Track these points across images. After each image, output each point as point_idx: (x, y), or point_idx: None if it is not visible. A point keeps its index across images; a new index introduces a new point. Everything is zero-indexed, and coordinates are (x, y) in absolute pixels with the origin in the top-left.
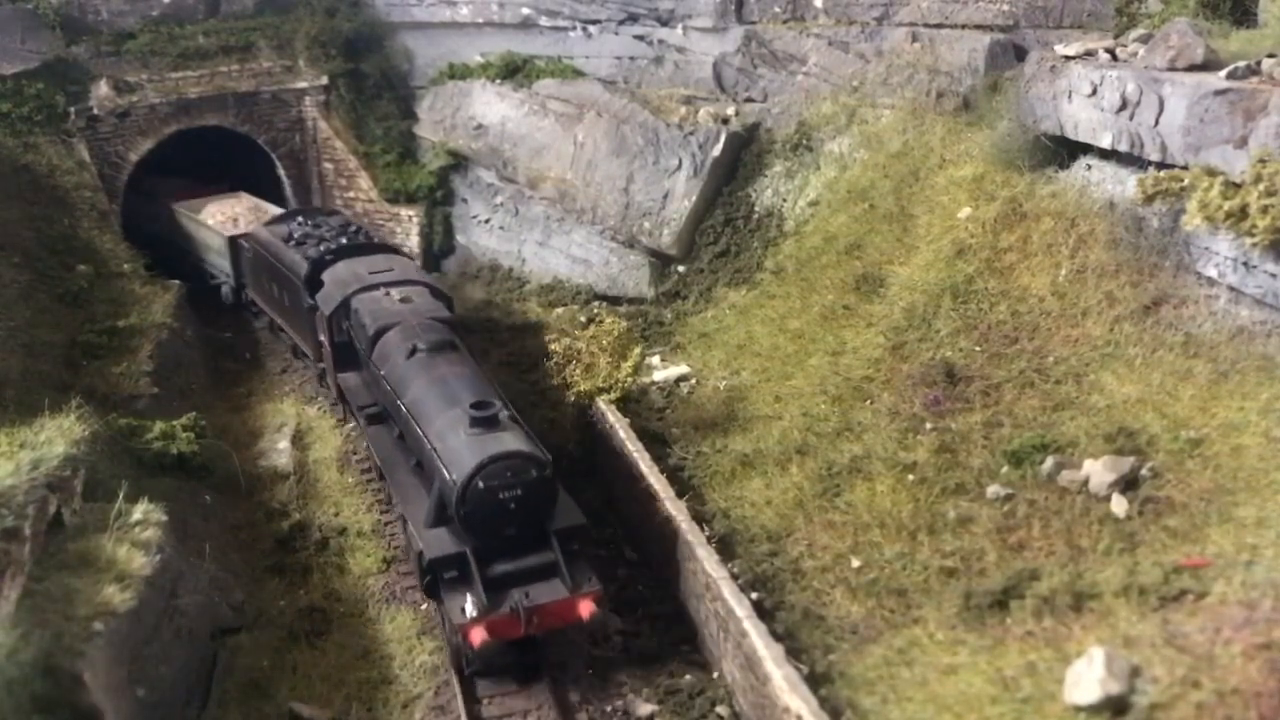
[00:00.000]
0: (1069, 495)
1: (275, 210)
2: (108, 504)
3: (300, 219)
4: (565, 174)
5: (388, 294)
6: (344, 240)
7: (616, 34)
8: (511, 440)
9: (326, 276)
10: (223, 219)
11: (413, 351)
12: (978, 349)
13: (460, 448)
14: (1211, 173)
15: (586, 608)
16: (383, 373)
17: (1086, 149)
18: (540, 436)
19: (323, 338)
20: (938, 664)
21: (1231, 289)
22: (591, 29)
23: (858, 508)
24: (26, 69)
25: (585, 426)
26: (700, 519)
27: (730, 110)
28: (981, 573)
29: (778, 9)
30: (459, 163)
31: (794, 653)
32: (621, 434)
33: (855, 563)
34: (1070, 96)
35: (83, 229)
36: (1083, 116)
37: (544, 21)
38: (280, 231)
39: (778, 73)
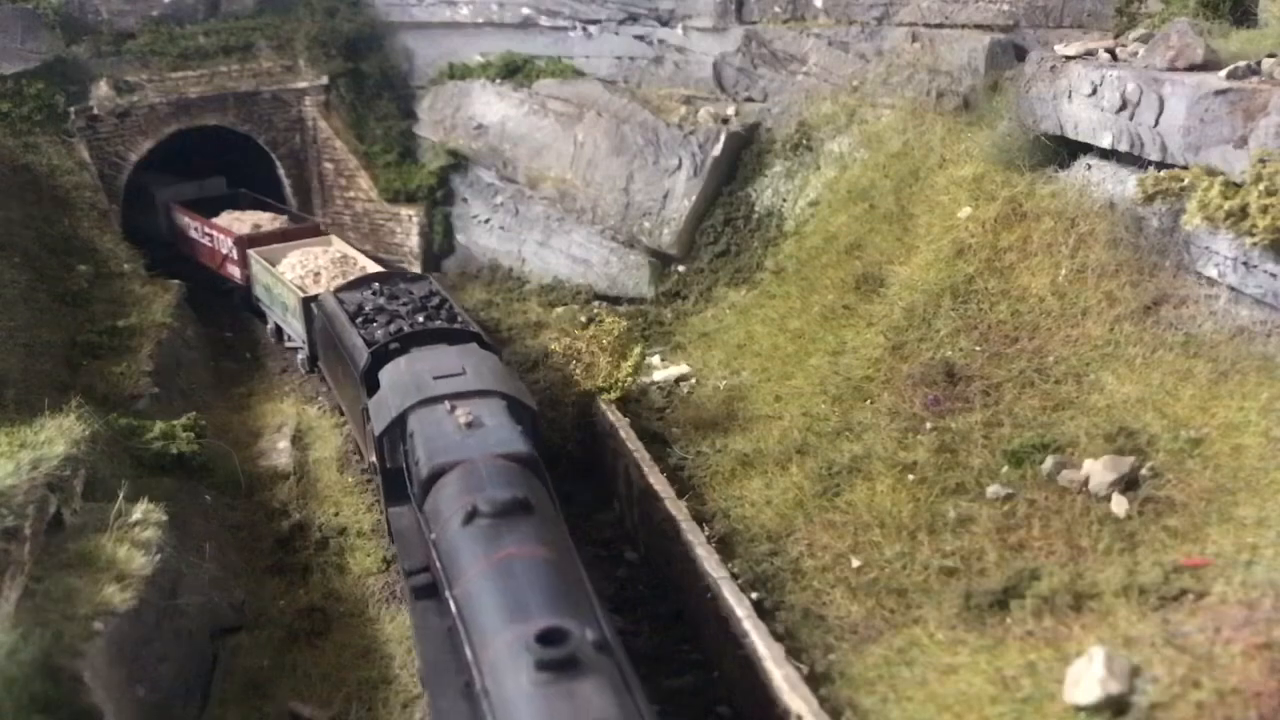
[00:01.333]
0: (1069, 495)
1: (367, 264)
2: (108, 504)
3: (378, 286)
4: (565, 174)
5: (453, 411)
6: (419, 319)
7: (616, 34)
8: (598, 701)
9: (385, 375)
10: (302, 273)
11: (471, 515)
12: (978, 349)
13: (520, 702)
14: (1211, 172)
15: None
16: (433, 537)
17: (1086, 149)
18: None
19: (372, 459)
20: (938, 664)
21: (1232, 289)
22: (591, 29)
23: (858, 507)
24: (26, 69)
25: (585, 426)
26: (700, 519)
27: (730, 110)
28: (981, 572)
29: (778, 9)
30: (459, 162)
31: (794, 652)
32: (621, 434)
33: (855, 562)
34: (1070, 96)
35: (83, 229)
36: (1083, 116)
37: (544, 21)
38: (351, 301)
39: (778, 72)
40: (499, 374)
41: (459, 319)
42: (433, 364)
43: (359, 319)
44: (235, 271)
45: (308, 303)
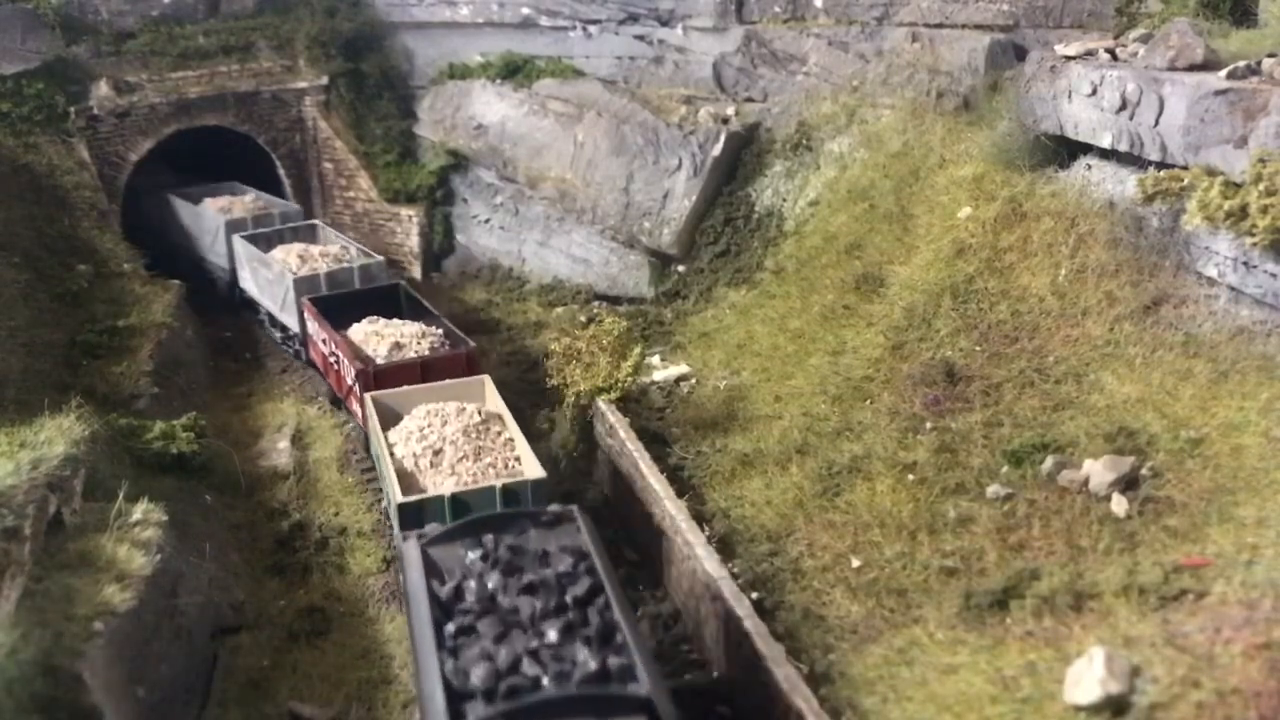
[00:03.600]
0: (1069, 495)
1: (513, 430)
2: (108, 504)
3: (491, 542)
4: (565, 174)
5: None
6: (559, 667)
7: (616, 34)
8: None
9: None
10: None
11: None
12: (978, 349)
13: None
14: (1211, 172)
15: None
16: None
17: (1086, 149)
18: (540, 436)
19: None
20: (938, 664)
21: (1232, 289)
22: (591, 29)
23: (858, 507)
24: (26, 69)
25: (585, 426)
26: (700, 519)
27: (730, 110)
28: (981, 572)
29: (778, 9)
30: (459, 162)
31: (794, 653)
32: (621, 434)
33: (855, 562)
34: (1070, 96)
35: (83, 229)
36: (1083, 116)
37: (544, 21)
38: (445, 564)
39: (778, 72)
40: None
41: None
42: None
43: (445, 633)
44: (357, 410)
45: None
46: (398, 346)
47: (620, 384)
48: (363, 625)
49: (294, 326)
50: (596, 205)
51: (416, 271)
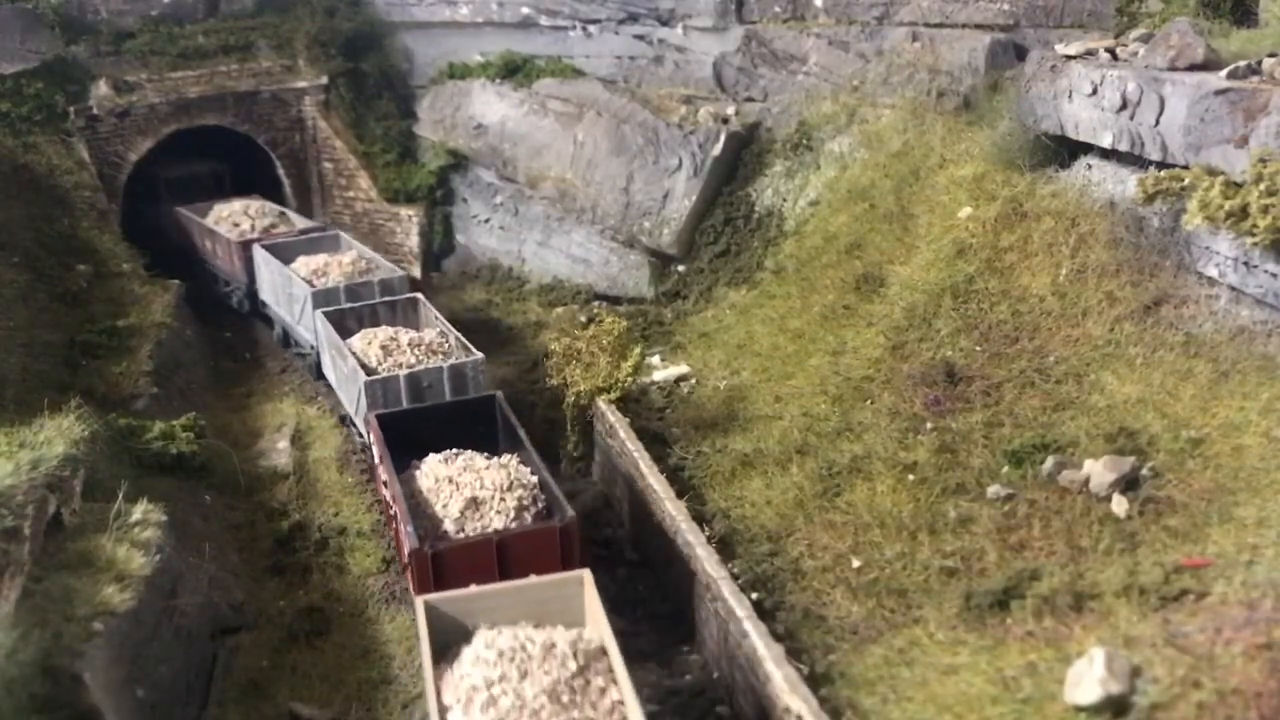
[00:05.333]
0: (1069, 495)
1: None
2: (107, 504)
3: None
4: (565, 173)
5: None
6: None
7: (616, 33)
8: None
9: None
10: None
11: None
12: (978, 349)
13: None
14: (1212, 172)
15: None
16: None
17: (1087, 148)
18: (540, 435)
19: None
20: (938, 664)
21: (1232, 289)
22: (591, 28)
23: (858, 508)
24: (26, 69)
25: (585, 426)
26: (700, 519)
27: (730, 110)
28: (982, 573)
29: (778, 8)
30: (459, 162)
31: (794, 653)
32: (621, 434)
33: (855, 563)
34: (1071, 96)
35: (82, 229)
36: (1083, 116)
37: (544, 21)
38: None
39: (778, 72)
40: None
41: None
42: None
43: None
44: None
45: None
46: (474, 505)
47: (620, 384)
48: (363, 625)
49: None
50: (596, 205)
51: (416, 271)
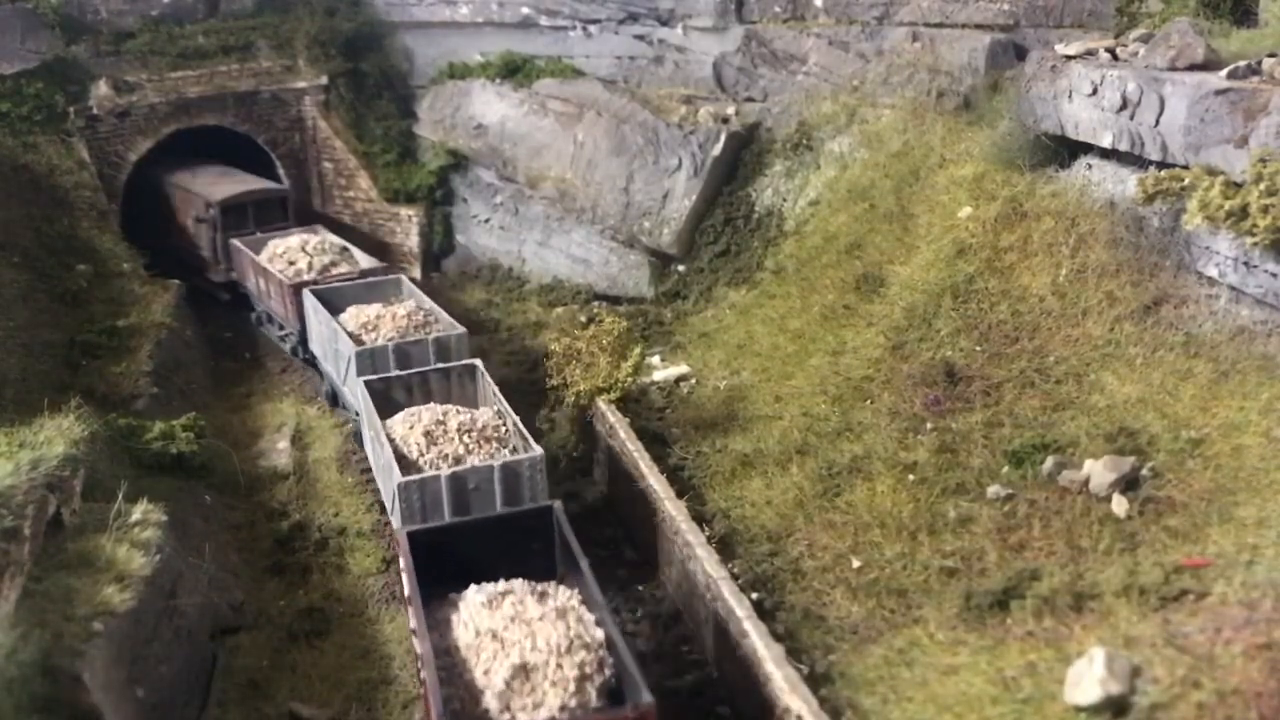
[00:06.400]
0: (1069, 495)
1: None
2: (107, 504)
3: None
4: (565, 173)
5: None
6: None
7: (616, 33)
8: None
9: None
10: None
11: None
12: (978, 349)
13: None
14: (1212, 172)
15: None
16: None
17: (1087, 148)
18: (541, 436)
19: None
20: (938, 664)
21: (1232, 288)
22: (591, 28)
23: (858, 508)
24: (26, 69)
25: (585, 426)
26: (700, 519)
27: (730, 110)
28: (982, 573)
29: (778, 8)
30: (459, 162)
31: (794, 653)
32: (621, 434)
33: (855, 563)
34: (1071, 96)
35: (82, 229)
36: (1083, 116)
37: (544, 21)
38: None
39: (778, 72)
40: None
41: None
42: None
43: None
44: None
45: None
46: (524, 673)
47: (620, 384)
48: (363, 625)
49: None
50: (596, 205)
51: (416, 271)
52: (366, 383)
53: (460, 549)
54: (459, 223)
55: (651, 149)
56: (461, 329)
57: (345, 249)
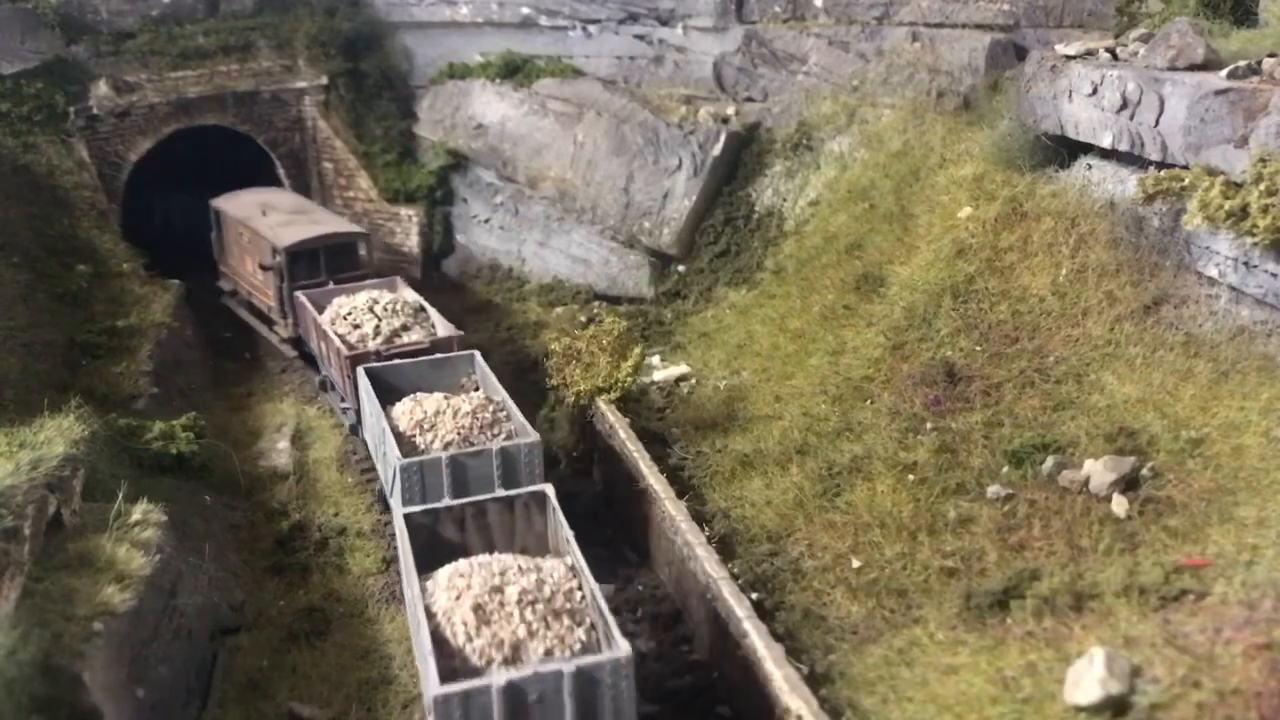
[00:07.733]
0: (1069, 495)
1: None
2: (107, 504)
3: None
4: (565, 173)
5: None
6: None
7: (616, 33)
8: None
9: None
10: None
11: None
12: (978, 349)
13: None
14: (1212, 172)
15: None
16: None
17: (1087, 148)
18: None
19: None
20: (938, 664)
21: (1232, 289)
22: (591, 28)
23: (858, 508)
24: (26, 69)
25: (585, 426)
26: (700, 519)
27: (730, 110)
28: (982, 573)
29: (778, 8)
30: (459, 162)
31: (794, 653)
32: (621, 434)
33: (855, 563)
34: (1071, 96)
35: (82, 229)
36: (1083, 116)
37: (544, 21)
38: None
39: (778, 72)
40: None
41: None
42: None
43: None
44: None
45: None
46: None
47: (620, 384)
48: (362, 625)
49: None
50: (596, 205)
51: (416, 272)
52: (407, 518)
53: None
54: (459, 223)
55: (651, 149)
56: (534, 435)
57: (421, 309)
